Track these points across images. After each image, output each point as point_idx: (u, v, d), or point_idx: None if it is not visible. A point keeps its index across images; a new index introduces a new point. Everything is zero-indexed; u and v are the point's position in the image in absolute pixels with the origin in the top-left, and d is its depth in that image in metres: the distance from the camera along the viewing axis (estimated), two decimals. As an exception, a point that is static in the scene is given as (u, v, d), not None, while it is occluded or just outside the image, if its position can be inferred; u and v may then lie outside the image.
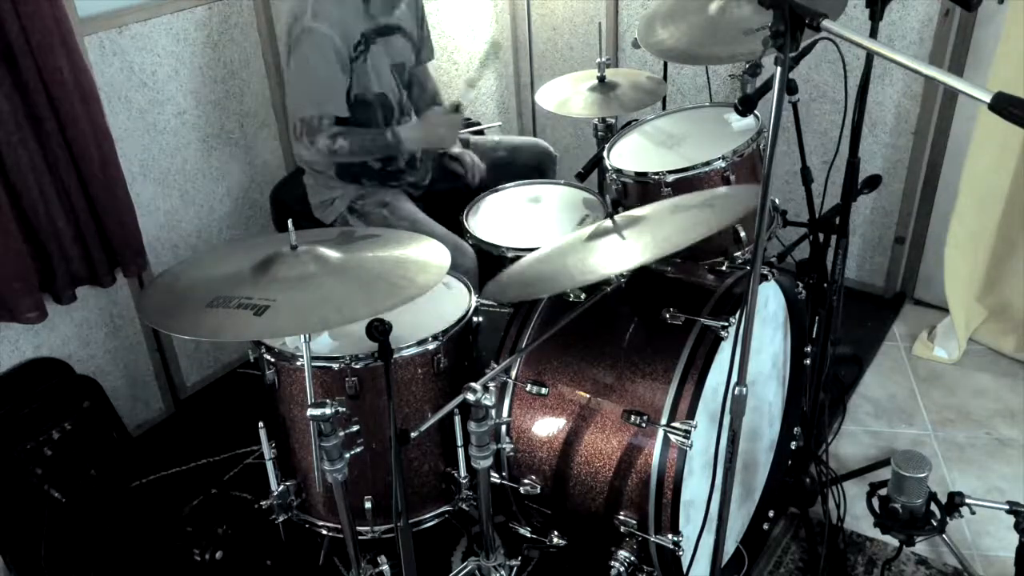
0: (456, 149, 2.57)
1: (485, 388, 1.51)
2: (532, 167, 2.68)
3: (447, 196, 2.52)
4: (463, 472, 1.86)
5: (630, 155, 2.37)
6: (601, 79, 2.67)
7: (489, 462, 1.62)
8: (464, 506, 1.95)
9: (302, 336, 1.63)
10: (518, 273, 1.81)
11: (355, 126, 2.28)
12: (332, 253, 1.61)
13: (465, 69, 3.50)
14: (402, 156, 2.37)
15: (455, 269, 1.92)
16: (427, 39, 2.57)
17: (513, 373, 1.83)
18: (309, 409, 1.46)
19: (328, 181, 2.40)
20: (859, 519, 2.17)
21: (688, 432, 1.60)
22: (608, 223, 1.74)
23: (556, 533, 1.88)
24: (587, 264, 1.65)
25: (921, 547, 2.08)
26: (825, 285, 2.04)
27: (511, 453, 1.83)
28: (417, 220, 2.36)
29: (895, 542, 1.98)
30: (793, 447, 2.16)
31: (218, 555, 2.17)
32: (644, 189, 2.23)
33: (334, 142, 2.18)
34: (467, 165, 2.57)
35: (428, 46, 2.58)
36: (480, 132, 2.79)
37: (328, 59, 2.16)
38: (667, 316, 1.72)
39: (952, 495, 1.87)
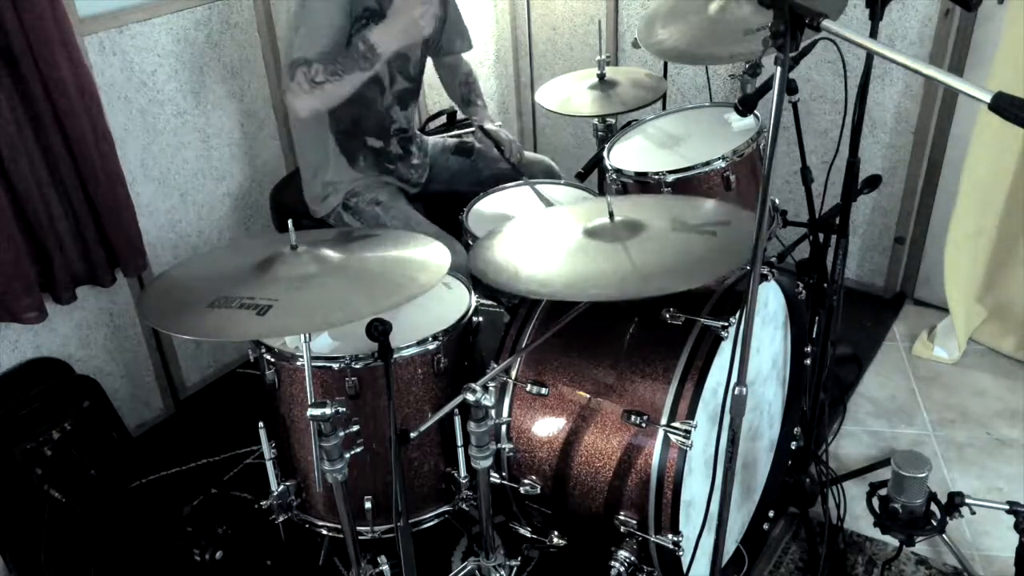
0: (489, 125, 2.54)
1: (485, 388, 1.51)
2: None
3: (446, 197, 2.52)
4: (463, 472, 1.86)
5: (630, 155, 2.37)
6: (601, 76, 2.67)
7: (489, 462, 1.62)
8: (464, 506, 1.95)
9: (302, 336, 1.64)
10: (506, 256, 1.75)
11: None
12: (332, 253, 1.63)
13: (465, 69, 3.49)
14: (379, 64, 2.19)
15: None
16: (458, 28, 2.57)
17: (513, 373, 1.83)
18: (309, 409, 1.46)
19: (323, 175, 2.39)
20: (859, 519, 2.17)
21: (688, 432, 1.60)
22: (606, 220, 1.74)
23: (556, 533, 1.88)
24: (588, 282, 1.61)
25: (921, 547, 2.08)
26: (825, 285, 2.04)
27: (511, 453, 1.83)
28: (411, 219, 2.35)
29: (895, 542, 1.98)
30: (793, 447, 2.16)
31: (218, 555, 2.16)
32: (644, 189, 2.23)
33: (310, 68, 2.10)
34: (503, 141, 2.53)
35: (453, 35, 2.57)
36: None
37: (335, 7, 2.13)
38: (667, 316, 1.72)
39: (952, 495, 1.87)
